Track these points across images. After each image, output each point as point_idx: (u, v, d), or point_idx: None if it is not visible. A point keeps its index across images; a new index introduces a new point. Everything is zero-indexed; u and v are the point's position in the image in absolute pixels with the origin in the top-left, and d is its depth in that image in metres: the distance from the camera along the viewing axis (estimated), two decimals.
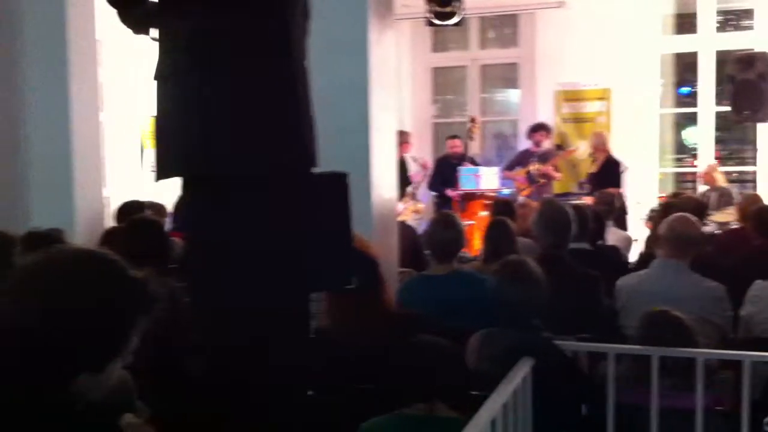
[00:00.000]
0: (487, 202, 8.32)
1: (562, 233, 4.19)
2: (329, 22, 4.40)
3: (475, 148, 9.85)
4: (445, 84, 11.27)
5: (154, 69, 2.26)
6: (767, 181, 8.30)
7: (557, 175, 9.56)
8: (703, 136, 9.94)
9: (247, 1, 2.21)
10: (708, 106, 9.76)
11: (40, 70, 5.32)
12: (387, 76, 4.88)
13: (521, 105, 10.65)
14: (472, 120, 9.65)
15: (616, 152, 9.22)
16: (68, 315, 1.49)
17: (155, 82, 2.26)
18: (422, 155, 10.22)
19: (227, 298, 2.24)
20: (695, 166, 9.99)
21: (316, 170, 2.34)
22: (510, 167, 9.72)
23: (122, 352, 1.56)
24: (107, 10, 2.39)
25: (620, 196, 8.18)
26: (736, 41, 9.46)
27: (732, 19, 10.19)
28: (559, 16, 9.87)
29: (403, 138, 9.08)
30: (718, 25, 9.95)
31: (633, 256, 6.15)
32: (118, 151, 8.79)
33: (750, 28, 9.74)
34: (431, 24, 9.02)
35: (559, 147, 9.96)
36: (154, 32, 2.30)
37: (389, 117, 4.93)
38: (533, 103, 10.35)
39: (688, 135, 10.66)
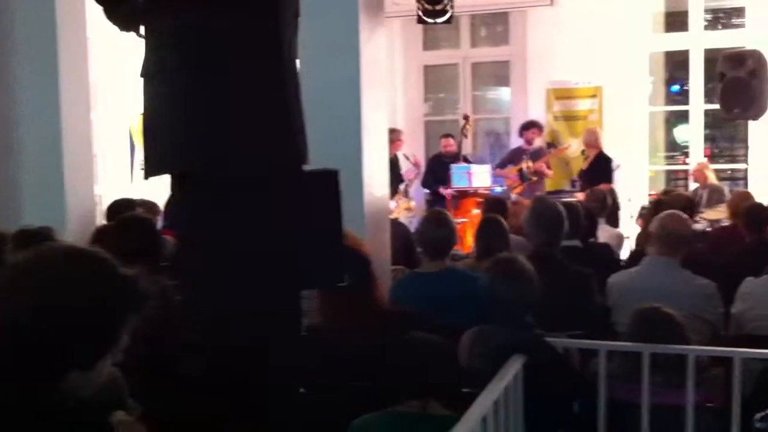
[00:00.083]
0: (480, 200, 8.33)
1: (554, 231, 4.20)
2: (320, 21, 4.40)
3: (467, 147, 9.85)
4: (436, 82, 11.28)
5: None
6: (758, 178, 8.33)
7: (549, 172, 9.57)
8: (693, 133, 9.97)
9: None
10: (699, 103, 9.79)
11: (31, 68, 5.30)
12: (378, 74, 4.88)
13: (513, 103, 10.67)
14: (466, 117, 9.66)
15: (608, 150, 9.24)
16: (58, 312, 1.49)
17: (142, 79, 2.26)
18: (414, 153, 10.22)
19: (218, 296, 2.24)
20: (686, 164, 10.02)
21: (307, 168, 2.34)
22: (502, 165, 9.73)
23: (112, 349, 1.56)
24: (97, 8, 2.39)
25: (612, 192, 8.21)
26: (726, 39, 9.48)
27: (722, 17, 10.22)
28: (550, 14, 9.88)
29: (394, 136, 9.08)
30: (708, 23, 9.98)
31: (625, 254, 6.17)
32: (110, 149, 8.77)
33: (741, 26, 9.77)
34: (422, 21, 9.02)
35: (551, 145, 9.98)
36: (142, 29, 2.30)
37: (381, 115, 4.92)
38: (525, 101, 10.36)
39: (680, 133, 10.69)
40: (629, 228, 8.05)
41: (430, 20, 8.92)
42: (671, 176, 10.74)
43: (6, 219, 4.87)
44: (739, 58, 7.67)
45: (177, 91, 2.18)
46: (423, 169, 9.93)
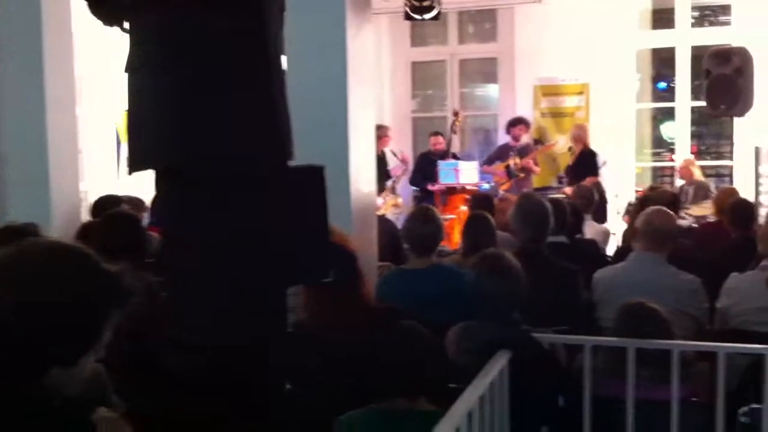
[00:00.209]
0: (468, 196, 8.34)
1: (541, 227, 4.21)
2: (306, 17, 4.39)
3: (455, 144, 9.86)
4: (424, 79, 11.28)
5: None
6: (743, 175, 8.37)
7: (536, 169, 9.59)
8: (680, 130, 10.01)
9: None
10: (685, 100, 9.83)
11: (15, 63, 5.27)
12: (365, 71, 4.88)
13: (500, 100, 10.68)
14: (455, 114, 9.66)
15: (595, 146, 9.28)
16: (40, 308, 1.48)
17: (126, 74, 2.25)
18: (402, 150, 10.22)
19: (202, 293, 2.23)
20: (673, 161, 10.06)
21: (292, 164, 2.34)
22: (489, 162, 9.75)
23: (95, 345, 1.55)
24: (82, 3, 2.37)
25: (599, 186, 8.24)
26: (713, 36, 9.52)
27: (709, 15, 10.26)
28: (537, 11, 9.90)
29: (382, 132, 9.07)
30: (695, 20, 10.01)
31: (611, 250, 6.19)
32: (96, 146, 8.73)
33: (727, 23, 9.81)
34: (409, 17, 9.01)
35: (538, 141, 10.00)
36: (126, 24, 2.29)
37: (368, 111, 4.92)
38: (512, 98, 10.38)
39: (667, 129, 10.74)
40: (616, 224, 8.08)
41: (417, 16, 8.92)
42: (658, 173, 10.79)
43: None
44: (725, 55, 7.70)
45: (161, 86, 2.16)
46: (410, 165, 9.93)
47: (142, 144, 2.23)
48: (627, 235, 5.56)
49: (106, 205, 5.11)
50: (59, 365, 1.51)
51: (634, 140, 10.08)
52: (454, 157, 9.47)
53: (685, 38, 9.75)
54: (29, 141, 5.25)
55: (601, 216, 7.60)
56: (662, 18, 10.10)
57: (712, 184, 9.08)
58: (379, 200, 8.47)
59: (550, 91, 10.19)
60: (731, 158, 8.43)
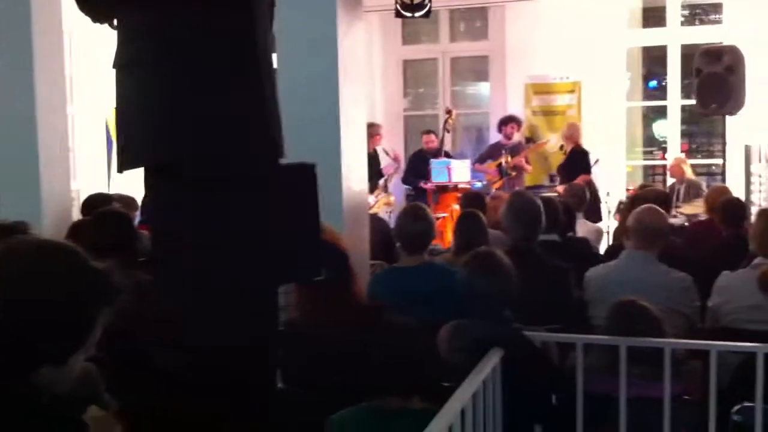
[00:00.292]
0: (460, 195, 8.34)
1: (532, 225, 4.21)
2: (297, 14, 4.38)
3: (448, 142, 9.86)
4: (415, 77, 11.28)
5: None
6: (735, 173, 8.40)
7: (528, 167, 9.60)
8: (671, 129, 10.03)
9: None
10: (676, 99, 9.86)
11: (5, 61, 5.23)
12: (356, 68, 4.87)
13: (492, 98, 10.69)
14: (448, 112, 9.66)
15: (586, 145, 9.29)
16: (29, 306, 1.47)
17: (114, 71, 2.23)
18: (394, 148, 10.21)
19: (193, 291, 2.22)
20: (664, 159, 10.08)
21: (283, 162, 2.33)
22: (481, 160, 9.75)
23: (85, 344, 1.54)
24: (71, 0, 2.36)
25: (591, 184, 8.25)
26: (704, 35, 9.55)
27: (700, 13, 10.28)
28: (528, 8, 9.91)
29: (373, 130, 9.07)
30: (685, 18, 10.04)
31: (603, 248, 6.20)
32: (87, 144, 8.70)
33: (718, 21, 9.83)
34: (400, 15, 9.01)
35: (530, 140, 10.01)
36: (115, 21, 2.27)
37: (359, 109, 4.91)
38: (503, 96, 10.39)
39: (658, 128, 10.76)
40: (608, 222, 8.09)
41: (408, 14, 8.91)
42: (649, 171, 10.81)
43: None
44: (715, 53, 7.71)
45: (149, 83, 2.15)
46: (402, 164, 9.93)
47: (131, 142, 2.22)
48: (618, 234, 5.56)
49: (96, 203, 5.09)
50: (49, 364, 1.50)
51: (625, 139, 10.10)
52: (447, 155, 9.47)
53: (675, 37, 9.77)
54: (20, 140, 5.22)
55: (595, 215, 7.61)
56: (653, 16, 10.12)
57: (703, 182, 9.10)
58: (371, 198, 8.46)
59: (541, 89, 10.20)
60: (722, 157, 8.44)
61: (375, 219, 5.85)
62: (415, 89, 11.38)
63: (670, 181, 9.22)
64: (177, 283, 2.29)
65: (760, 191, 7.66)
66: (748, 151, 7.67)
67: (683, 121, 9.99)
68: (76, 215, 5.62)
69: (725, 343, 3.22)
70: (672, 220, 5.94)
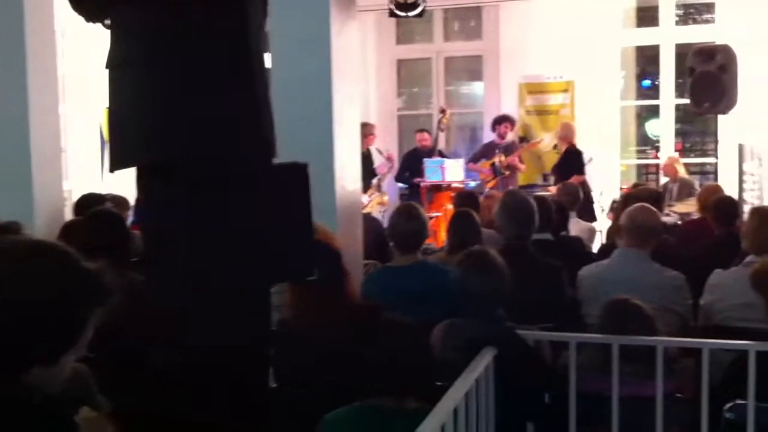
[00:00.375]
0: (454, 194, 8.34)
1: (525, 224, 4.21)
2: (290, 13, 4.39)
3: (441, 141, 9.87)
4: (410, 76, 11.28)
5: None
6: (727, 172, 8.42)
7: (522, 166, 9.60)
8: (664, 128, 10.05)
9: None
10: (669, 98, 9.87)
11: None
12: (350, 68, 4.87)
13: (486, 97, 10.70)
14: (443, 111, 9.66)
15: (580, 144, 9.30)
16: (19, 306, 1.47)
17: (107, 71, 2.23)
18: (387, 148, 10.21)
19: (185, 291, 2.22)
20: (657, 158, 10.10)
21: (276, 161, 2.33)
22: (475, 159, 9.76)
23: (76, 344, 1.54)
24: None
25: (585, 185, 8.26)
26: (697, 34, 9.57)
27: (693, 13, 10.31)
28: (522, 8, 9.92)
29: (367, 130, 9.06)
30: (679, 18, 10.05)
31: (597, 247, 6.21)
32: (80, 144, 8.68)
33: (711, 21, 9.85)
34: (393, 15, 9.01)
35: (523, 139, 10.02)
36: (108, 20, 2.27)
37: (352, 109, 4.91)
38: (497, 96, 10.39)
39: (651, 127, 10.78)
40: (601, 222, 8.10)
41: (401, 13, 8.91)
42: (642, 170, 10.83)
43: None
44: (708, 52, 7.73)
45: (143, 82, 2.15)
46: (396, 163, 9.93)
47: (122, 142, 2.22)
48: (611, 232, 5.57)
49: (89, 203, 5.08)
50: (40, 364, 1.50)
51: (618, 138, 10.12)
52: (441, 154, 9.47)
53: (669, 36, 9.79)
54: (11, 139, 5.20)
55: (588, 215, 7.62)
56: (646, 16, 10.14)
57: (696, 181, 9.13)
58: (365, 198, 8.46)
59: (535, 88, 10.21)
60: (715, 155, 8.47)
61: (368, 218, 5.86)
62: (409, 89, 11.38)
63: (663, 180, 9.23)
64: (169, 282, 2.29)
65: (752, 190, 7.68)
66: (741, 150, 7.68)
67: (677, 120, 10.01)
68: (69, 215, 5.61)
69: (717, 341, 3.23)
70: (665, 219, 5.95)
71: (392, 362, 2.59)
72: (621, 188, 9.29)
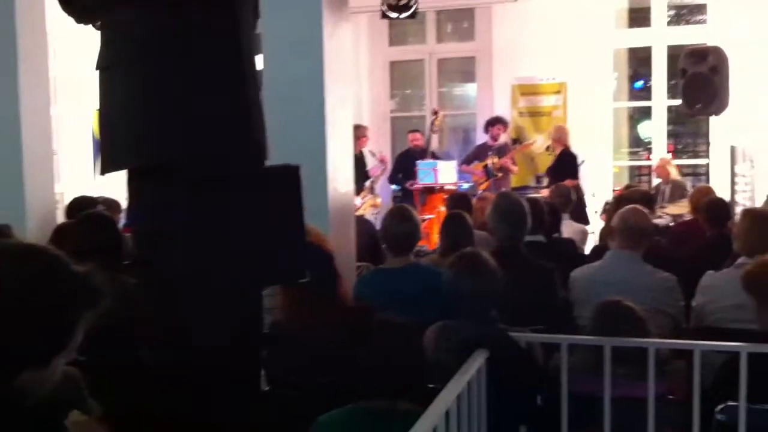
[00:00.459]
0: (447, 196, 8.34)
1: (518, 226, 4.21)
2: (282, 15, 4.38)
3: (434, 143, 9.87)
4: (402, 78, 11.28)
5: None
6: (719, 173, 8.44)
7: (514, 168, 9.62)
8: (656, 129, 10.07)
9: None
10: (661, 99, 9.90)
11: None
12: (342, 69, 4.87)
13: (478, 99, 10.71)
14: (435, 112, 9.66)
15: (572, 145, 9.31)
16: (10, 310, 1.46)
17: (98, 72, 2.23)
18: (380, 149, 10.21)
19: (177, 294, 2.22)
20: (650, 160, 10.12)
21: (268, 163, 2.33)
22: (467, 161, 9.77)
23: (67, 347, 1.53)
24: (54, 1, 2.35)
25: (578, 188, 8.27)
26: (689, 35, 9.60)
27: (685, 14, 10.33)
28: (515, 10, 9.93)
29: (360, 132, 9.06)
30: (671, 19, 10.08)
31: (589, 249, 6.21)
32: (71, 146, 8.66)
33: (703, 22, 9.88)
34: (385, 16, 9.00)
35: (516, 141, 10.03)
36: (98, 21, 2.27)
37: (345, 110, 4.91)
38: (490, 97, 10.41)
39: (644, 129, 10.80)
40: (594, 223, 8.11)
41: (394, 15, 8.91)
42: (635, 172, 10.85)
43: None
44: (700, 54, 7.75)
45: (134, 84, 2.15)
46: (389, 165, 9.93)
47: (113, 144, 2.21)
48: (603, 234, 5.58)
49: (81, 206, 5.07)
50: (30, 367, 1.49)
51: (611, 139, 10.14)
52: (433, 156, 9.48)
53: (661, 37, 9.82)
54: (3, 142, 5.20)
55: (581, 217, 7.63)
56: (639, 17, 10.17)
57: (688, 182, 9.14)
58: (358, 200, 8.46)
59: (527, 90, 10.22)
60: (707, 157, 8.50)
61: (361, 221, 5.85)
62: (402, 90, 11.39)
63: (655, 181, 9.25)
64: (161, 284, 2.28)
65: (744, 191, 7.69)
66: (733, 151, 7.70)
67: (669, 122, 10.04)
68: (61, 218, 5.59)
69: (709, 343, 3.23)
70: (657, 221, 5.97)
71: (385, 364, 2.59)
72: (613, 190, 9.30)
